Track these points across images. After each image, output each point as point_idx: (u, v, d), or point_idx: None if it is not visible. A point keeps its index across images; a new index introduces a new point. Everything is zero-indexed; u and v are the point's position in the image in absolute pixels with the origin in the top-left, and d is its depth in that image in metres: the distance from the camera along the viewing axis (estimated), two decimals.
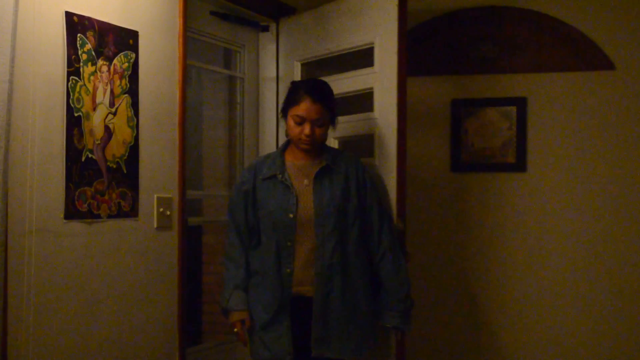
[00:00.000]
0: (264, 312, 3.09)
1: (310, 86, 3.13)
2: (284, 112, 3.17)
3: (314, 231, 3.07)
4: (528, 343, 4.09)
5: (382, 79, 3.37)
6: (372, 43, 3.41)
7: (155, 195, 3.20)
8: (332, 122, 3.18)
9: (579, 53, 4.02)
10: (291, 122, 3.11)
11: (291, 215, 3.07)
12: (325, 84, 3.21)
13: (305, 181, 3.13)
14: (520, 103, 4.08)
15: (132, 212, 3.06)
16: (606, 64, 3.98)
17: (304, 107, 3.07)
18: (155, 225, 3.20)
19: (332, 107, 3.15)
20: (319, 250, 3.08)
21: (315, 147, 3.15)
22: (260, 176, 3.16)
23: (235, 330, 3.11)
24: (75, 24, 2.77)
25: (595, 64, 4.00)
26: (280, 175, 3.12)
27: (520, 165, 4.08)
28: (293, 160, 3.18)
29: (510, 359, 4.12)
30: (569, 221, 4.04)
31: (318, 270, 3.07)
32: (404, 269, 3.18)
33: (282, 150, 3.21)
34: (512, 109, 4.09)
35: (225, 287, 3.16)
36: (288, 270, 3.07)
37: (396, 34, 3.28)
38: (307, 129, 3.08)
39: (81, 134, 2.79)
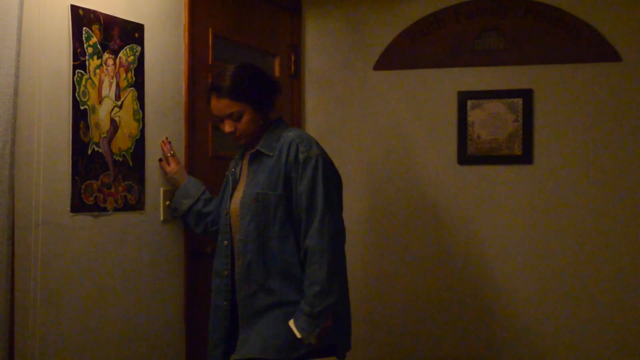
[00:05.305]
0: (211, 325, 3.01)
1: (213, 80, 2.91)
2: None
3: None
4: (530, 337, 4.08)
5: None
6: None
7: (161, 188, 3.20)
8: (258, 108, 2.88)
9: (585, 44, 4.00)
10: (217, 121, 2.95)
11: (225, 212, 2.96)
12: (234, 71, 2.88)
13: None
14: (527, 95, 4.07)
15: (139, 205, 3.07)
16: (612, 56, 3.97)
17: (212, 106, 2.89)
18: (161, 218, 3.20)
19: (246, 95, 2.84)
20: (239, 247, 2.86)
21: (252, 138, 2.92)
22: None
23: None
24: (81, 17, 2.77)
25: (601, 55, 3.98)
26: (233, 169, 3.02)
27: (526, 157, 4.07)
28: (249, 151, 2.99)
29: (510, 354, 4.12)
30: (575, 213, 4.03)
31: (239, 267, 2.86)
32: (323, 278, 2.70)
33: None
34: (518, 101, 4.08)
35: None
36: (225, 272, 2.95)
37: None
38: (226, 127, 2.88)
39: (87, 128, 2.79)
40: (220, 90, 2.84)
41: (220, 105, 2.85)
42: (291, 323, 2.76)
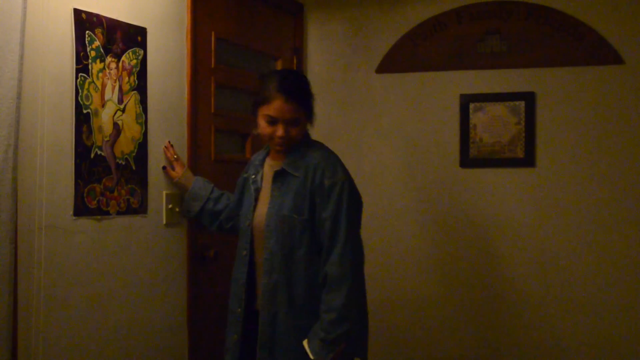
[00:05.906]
0: (226, 329, 3.00)
1: (283, 82, 2.81)
2: (253, 108, 2.88)
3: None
4: (533, 338, 4.08)
5: None
6: None
7: (164, 192, 3.20)
8: (309, 119, 2.91)
9: (587, 47, 4.00)
10: (262, 122, 2.83)
11: (247, 223, 2.92)
12: (300, 77, 2.93)
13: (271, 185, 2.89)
14: (529, 98, 4.06)
15: (141, 208, 3.07)
16: (615, 59, 3.96)
17: (275, 107, 2.78)
18: (164, 222, 3.20)
19: (308, 103, 2.86)
20: (265, 265, 2.83)
21: (291, 148, 2.88)
22: (246, 173, 3.08)
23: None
24: (84, 21, 2.77)
25: (603, 58, 3.98)
26: (254, 176, 2.98)
27: (529, 160, 4.06)
28: (271, 160, 2.97)
29: (513, 354, 4.11)
30: (578, 215, 4.02)
31: (263, 287, 2.83)
32: (340, 306, 2.70)
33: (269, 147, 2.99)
34: (521, 104, 4.08)
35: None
36: (241, 281, 2.92)
37: None
38: (280, 130, 2.79)
39: (90, 131, 2.79)
40: (292, 94, 2.79)
41: (287, 107, 2.78)
42: (305, 343, 2.74)
